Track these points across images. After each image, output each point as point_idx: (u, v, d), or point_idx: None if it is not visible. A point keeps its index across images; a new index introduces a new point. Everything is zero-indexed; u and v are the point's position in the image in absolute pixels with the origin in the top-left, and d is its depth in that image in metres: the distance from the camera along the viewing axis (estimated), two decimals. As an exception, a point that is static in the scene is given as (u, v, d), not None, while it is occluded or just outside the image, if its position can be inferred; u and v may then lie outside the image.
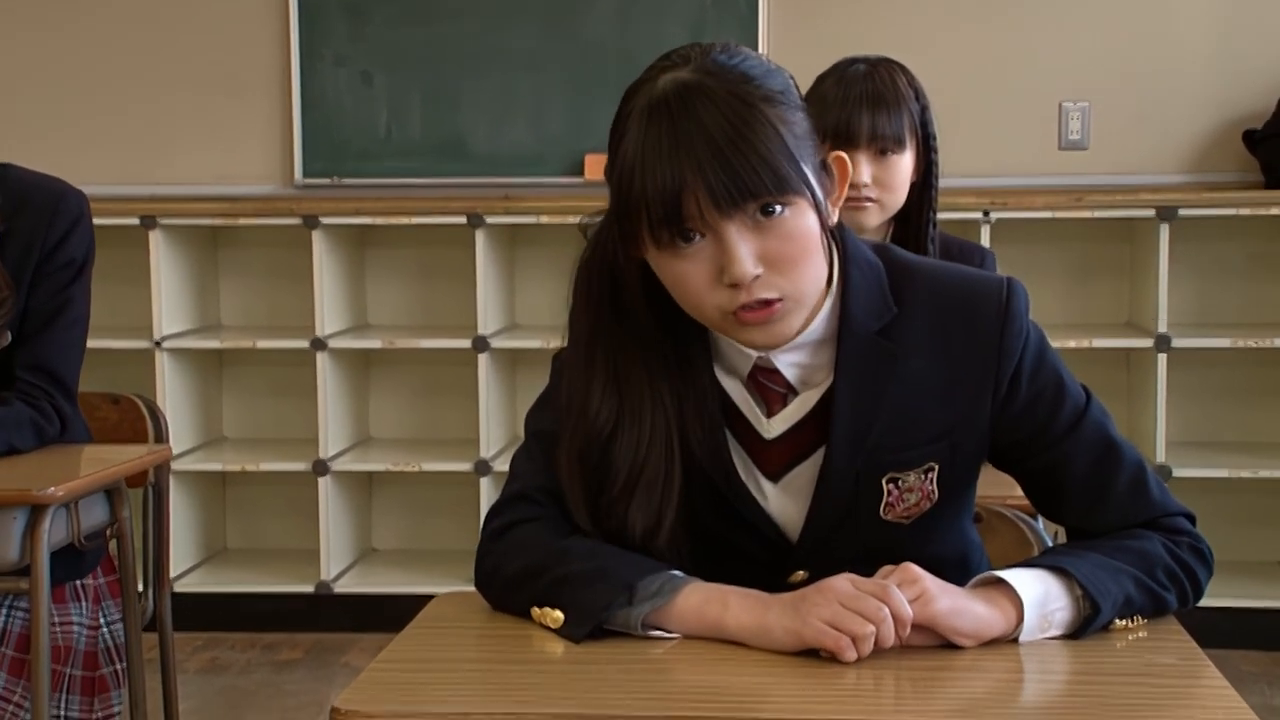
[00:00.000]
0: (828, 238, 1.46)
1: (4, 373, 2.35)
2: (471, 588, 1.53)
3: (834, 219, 1.47)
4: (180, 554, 4.27)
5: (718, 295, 1.40)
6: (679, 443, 1.49)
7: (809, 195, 1.40)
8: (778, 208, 1.39)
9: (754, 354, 1.50)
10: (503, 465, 4.07)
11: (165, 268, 4.19)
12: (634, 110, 1.43)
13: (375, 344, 4.26)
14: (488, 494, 4.13)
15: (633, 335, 1.50)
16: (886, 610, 1.32)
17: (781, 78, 1.45)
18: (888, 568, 1.39)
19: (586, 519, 1.49)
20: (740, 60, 1.43)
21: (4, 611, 2.28)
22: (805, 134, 1.43)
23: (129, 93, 4.49)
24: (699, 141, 1.37)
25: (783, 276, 1.40)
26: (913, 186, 2.49)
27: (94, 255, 2.46)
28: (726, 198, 1.37)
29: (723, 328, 1.45)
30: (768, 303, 1.40)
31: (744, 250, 1.38)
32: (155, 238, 4.16)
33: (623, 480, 1.48)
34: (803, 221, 1.40)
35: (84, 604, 2.35)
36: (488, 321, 4.16)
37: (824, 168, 1.46)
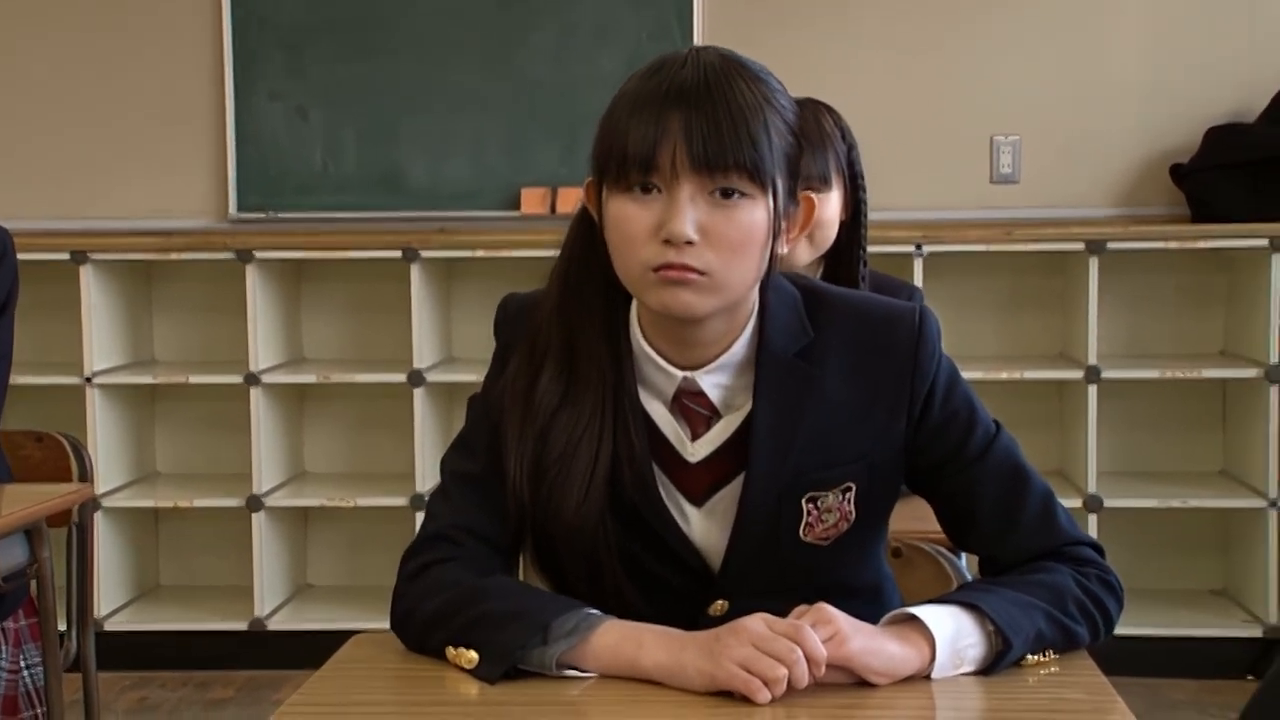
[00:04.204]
0: (767, 256, 1.48)
1: None
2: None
3: (783, 248, 1.50)
4: (112, 592, 4.22)
5: (649, 249, 1.43)
6: (612, 430, 1.52)
7: (770, 200, 1.44)
8: (737, 194, 1.43)
9: (679, 374, 1.52)
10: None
11: (97, 303, 4.16)
12: (648, 65, 1.47)
13: (310, 378, 4.24)
14: (423, 529, 4.10)
15: (593, 317, 1.53)
16: (799, 652, 1.32)
17: (795, 111, 1.49)
18: (802, 607, 1.39)
19: (526, 485, 1.51)
20: (767, 74, 1.48)
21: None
22: (790, 156, 1.47)
23: (60, 126, 4.45)
24: (700, 101, 1.42)
25: (714, 254, 1.43)
26: (842, 225, 2.52)
27: (18, 293, 2.45)
28: (701, 157, 1.40)
29: (640, 286, 1.46)
30: (688, 269, 1.43)
31: (690, 213, 1.42)
32: (86, 273, 4.12)
33: (559, 451, 1.51)
34: (754, 217, 1.44)
35: (3, 647, 2.32)
36: (423, 355, 4.15)
37: (793, 197, 1.49)
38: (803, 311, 1.56)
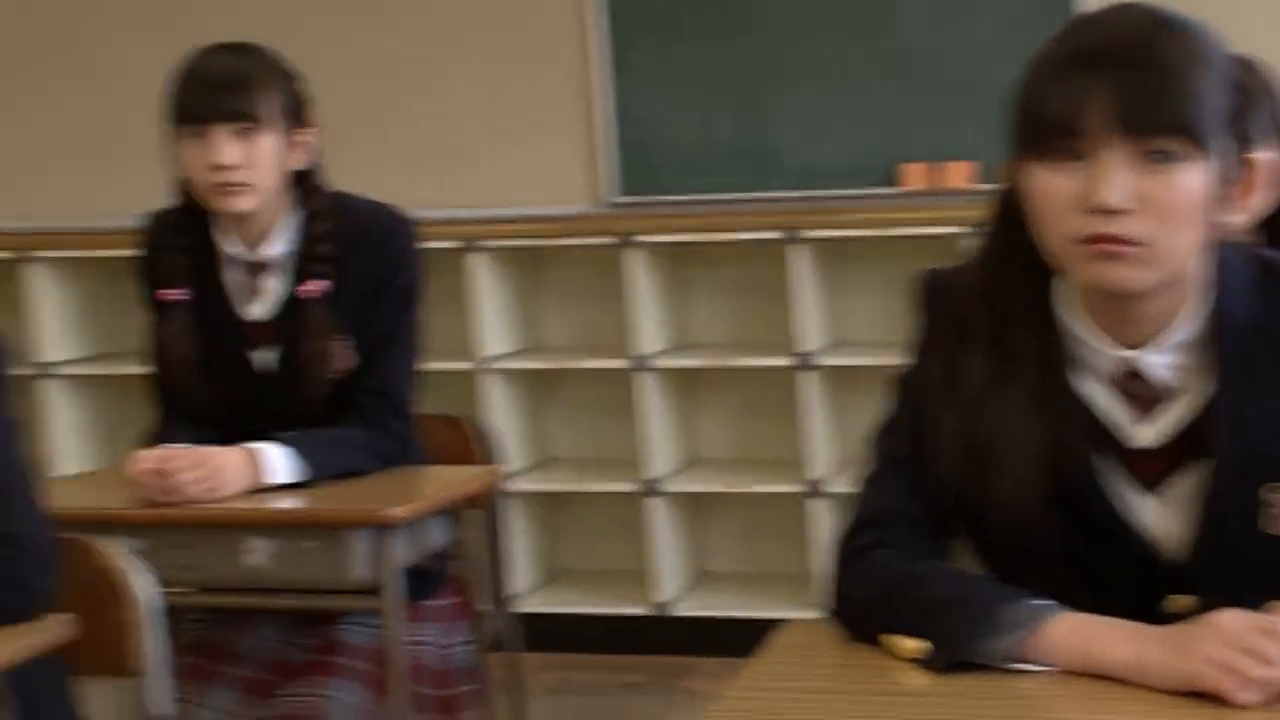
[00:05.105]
0: (1210, 223, 1.37)
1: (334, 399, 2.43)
2: (817, 615, 1.49)
3: (1232, 214, 1.39)
4: (519, 574, 4.29)
5: (1076, 220, 1.35)
6: (1046, 414, 1.43)
7: (1209, 162, 1.33)
8: (1173, 157, 1.32)
9: (1119, 354, 1.43)
10: (831, 488, 3.98)
11: (487, 289, 4.26)
12: (1063, 27, 1.40)
13: (696, 363, 4.24)
14: (814, 517, 4.04)
15: (1020, 295, 1.46)
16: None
17: (1235, 66, 1.38)
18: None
19: (958, 471, 1.45)
20: (1201, 27, 1.38)
21: (356, 627, 2.35)
22: (1231, 114, 1.36)
23: (442, 117, 4.51)
24: (1125, 60, 1.32)
25: (1151, 223, 1.33)
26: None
27: (424, 280, 2.54)
28: (1131, 117, 1.31)
29: (1069, 261, 1.38)
30: (1122, 240, 1.33)
31: (1119, 179, 1.32)
32: (475, 260, 4.24)
33: (989, 435, 1.44)
34: (1192, 182, 1.33)
35: (432, 624, 2.41)
36: (808, 338, 4.09)
37: (1240, 160, 1.38)
38: (1259, 282, 1.44)
